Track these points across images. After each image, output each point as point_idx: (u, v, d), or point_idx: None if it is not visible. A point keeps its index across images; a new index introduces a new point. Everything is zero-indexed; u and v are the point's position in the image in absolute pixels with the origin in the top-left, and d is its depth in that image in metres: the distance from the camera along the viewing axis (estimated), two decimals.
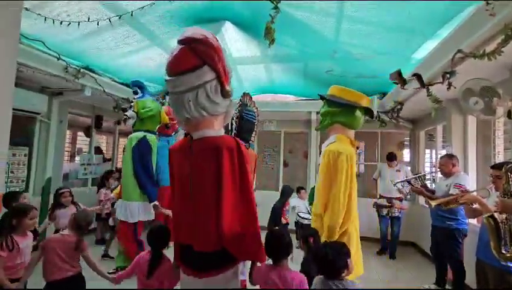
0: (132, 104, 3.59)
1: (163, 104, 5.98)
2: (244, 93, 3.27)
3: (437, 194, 3.42)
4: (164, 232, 1.94)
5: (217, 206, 1.44)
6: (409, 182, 3.87)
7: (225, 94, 1.53)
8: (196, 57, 1.45)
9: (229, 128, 3.48)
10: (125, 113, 3.57)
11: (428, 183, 4.02)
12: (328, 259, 1.52)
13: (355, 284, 1.64)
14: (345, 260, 1.54)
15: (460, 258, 3.25)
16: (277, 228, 3.82)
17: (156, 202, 3.47)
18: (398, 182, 4.33)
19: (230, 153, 1.47)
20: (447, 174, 3.41)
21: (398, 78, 3.03)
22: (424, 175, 4.10)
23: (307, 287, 1.51)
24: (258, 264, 1.61)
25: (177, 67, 1.47)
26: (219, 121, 1.61)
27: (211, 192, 1.47)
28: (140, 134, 3.50)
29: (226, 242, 1.44)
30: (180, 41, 1.51)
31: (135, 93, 3.66)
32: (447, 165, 3.39)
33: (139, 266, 1.90)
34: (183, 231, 1.54)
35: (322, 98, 2.55)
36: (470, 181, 3.65)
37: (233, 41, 4.18)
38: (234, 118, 3.33)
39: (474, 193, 2.79)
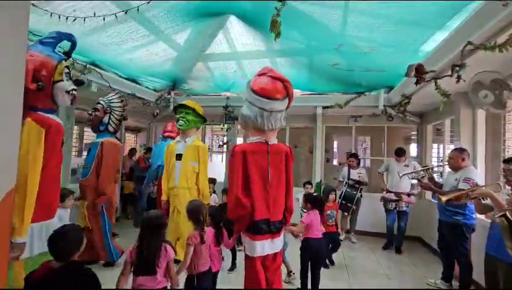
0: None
1: (168, 100, 6.05)
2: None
3: (445, 188, 3.34)
4: (222, 210, 2.63)
5: (286, 189, 2.39)
6: (418, 179, 3.80)
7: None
8: (286, 91, 2.28)
9: (108, 121, 3.67)
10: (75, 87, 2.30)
11: (435, 176, 3.96)
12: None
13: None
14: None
15: (467, 253, 3.20)
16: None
17: None
18: (404, 174, 4.28)
19: (292, 155, 2.44)
20: (455, 168, 3.30)
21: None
22: (432, 168, 3.98)
23: None
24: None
25: (278, 94, 2.24)
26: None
27: (282, 180, 2.35)
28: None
29: (287, 212, 2.41)
30: (275, 78, 2.27)
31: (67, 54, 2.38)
32: (457, 159, 3.28)
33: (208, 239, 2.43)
34: (264, 209, 2.23)
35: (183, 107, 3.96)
36: (478, 175, 3.60)
37: (238, 36, 4.16)
38: (114, 112, 3.71)
39: (485, 188, 2.74)
